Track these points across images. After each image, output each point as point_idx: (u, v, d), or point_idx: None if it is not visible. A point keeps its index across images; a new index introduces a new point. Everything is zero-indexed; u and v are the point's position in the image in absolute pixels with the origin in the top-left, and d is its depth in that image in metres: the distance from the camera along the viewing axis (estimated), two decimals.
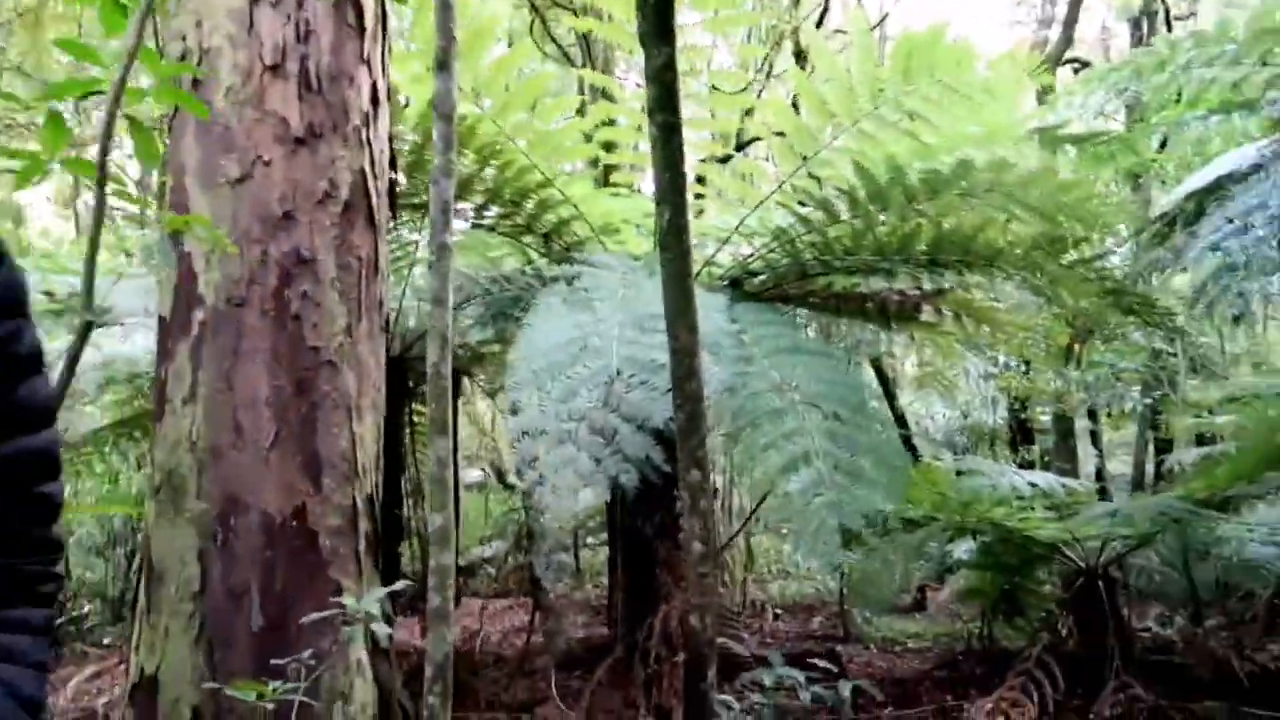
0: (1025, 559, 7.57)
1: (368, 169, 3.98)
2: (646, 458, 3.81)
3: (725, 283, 5.76)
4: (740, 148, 9.19)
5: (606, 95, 6.11)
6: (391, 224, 4.76)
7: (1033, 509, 7.16)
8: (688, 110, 5.21)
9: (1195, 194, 5.81)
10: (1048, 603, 7.59)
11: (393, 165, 4.25)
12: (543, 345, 4.21)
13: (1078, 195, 5.37)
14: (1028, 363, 10.38)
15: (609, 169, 7.33)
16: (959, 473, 7.09)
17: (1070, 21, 11.59)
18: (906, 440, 14.36)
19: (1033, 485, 6.43)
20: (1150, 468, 13.31)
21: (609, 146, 5.86)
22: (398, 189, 4.62)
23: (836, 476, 3.98)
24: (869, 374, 12.04)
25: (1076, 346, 6.82)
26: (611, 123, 6.22)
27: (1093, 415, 13.67)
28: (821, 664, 4.08)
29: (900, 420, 14.11)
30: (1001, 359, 10.04)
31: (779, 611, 11.80)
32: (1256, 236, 4.09)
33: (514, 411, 3.94)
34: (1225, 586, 9.98)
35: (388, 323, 6.55)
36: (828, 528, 3.80)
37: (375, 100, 4.05)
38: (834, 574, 9.35)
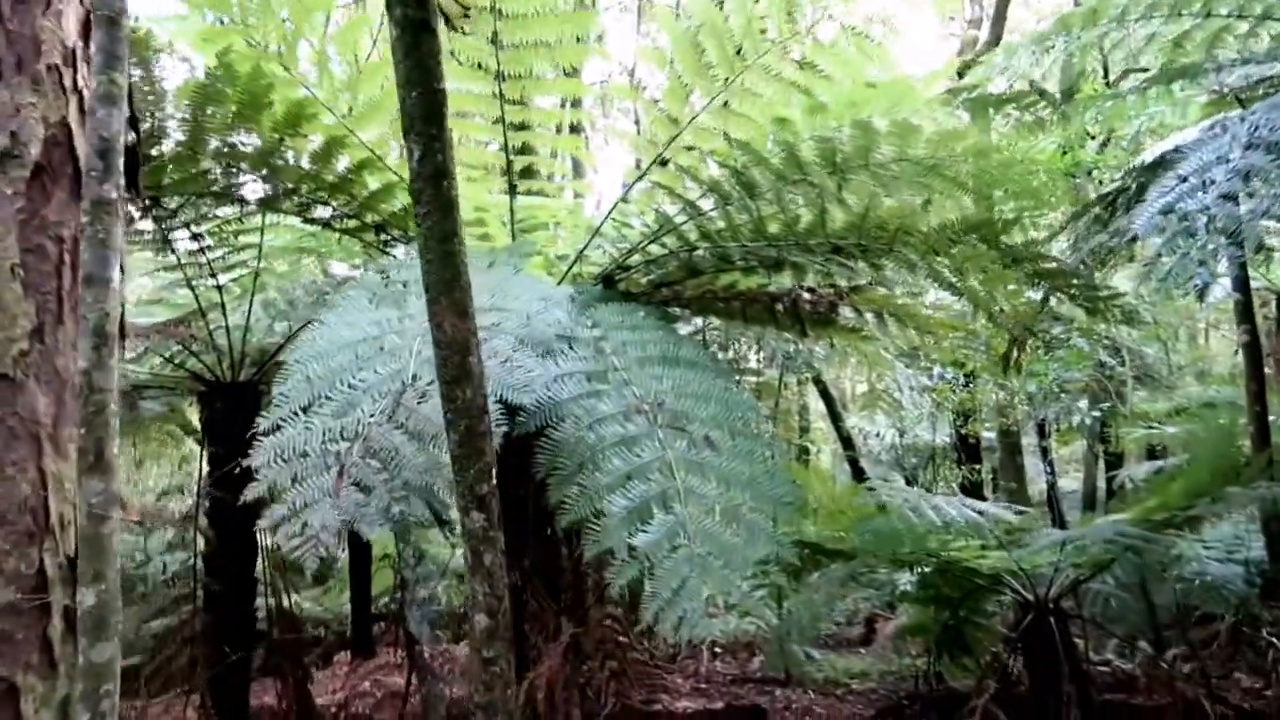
0: (968, 591, 6.70)
1: (74, 123, 2.98)
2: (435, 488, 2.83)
3: (597, 282, 4.80)
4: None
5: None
6: (141, 201, 3.74)
7: (974, 537, 6.30)
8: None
9: (1138, 170, 4.98)
10: (995, 640, 6.69)
11: (135, 129, 3.23)
12: (326, 347, 3.22)
13: (1019, 170, 4.53)
14: (970, 375, 9.59)
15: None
16: (880, 507, 6.16)
17: (999, 19, 10.91)
18: (853, 462, 13.58)
19: (946, 522, 5.51)
20: (1102, 484, 12.59)
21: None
22: (140, 156, 3.60)
23: (705, 522, 3.01)
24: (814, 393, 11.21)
25: (1015, 353, 5.96)
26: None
27: (1041, 430, 12.92)
28: None
29: (847, 442, 13.29)
30: (937, 370, 9.22)
31: (718, 650, 10.84)
32: (1219, 193, 3.24)
33: (270, 430, 2.93)
34: (1186, 610, 9.21)
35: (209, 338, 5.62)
36: (691, 590, 2.82)
37: (88, 34, 3.05)
38: (773, 609, 8.49)
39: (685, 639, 2.77)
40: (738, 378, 9.29)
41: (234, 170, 4.45)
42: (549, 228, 5.49)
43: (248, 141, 4.34)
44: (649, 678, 8.90)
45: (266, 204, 4.69)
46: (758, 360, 10.79)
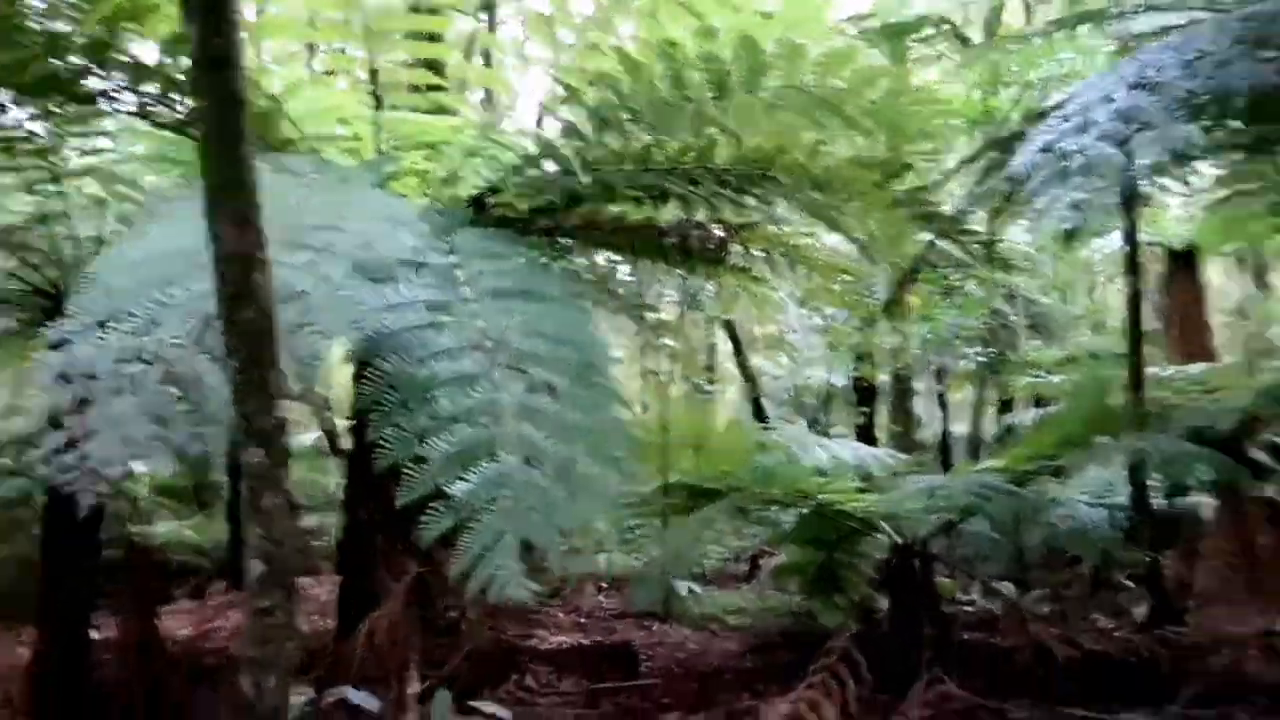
0: (843, 534, 6.76)
1: None
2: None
3: (468, 206, 4.54)
4: None
5: None
6: None
7: (850, 480, 6.33)
8: None
9: (1035, 116, 4.90)
10: (865, 581, 6.78)
11: None
12: (138, 258, 2.91)
13: (926, 110, 4.39)
14: (868, 319, 9.59)
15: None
16: (761, 445, 6.12)
17: None
18: (755, 403, 13.65)
19: (835, 459, 5.48)
20: (992, 430, 12.87)
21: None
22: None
23: (532, 474, 2.82)
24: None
25: (902, 296, 5.91)
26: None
27: (938, 375, 13.14)
28: None
29: (750, 382, 13.33)
30: (830, 312, 9.20)
31: (603, 585, 10.86)
32: (1098, 134, 3.14)
33: (57, 344, 2.64)
34: (1054, 553, 9.55)
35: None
36: (505, 546, 2.64)
37: None
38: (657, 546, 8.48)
39: (499, 597, 2.60)
40: (643, 315, 9.16)
41: (63, 60, 4.02)
42: (436, 149, 5.17)
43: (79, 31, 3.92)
44: (527, 612, 8.86)
45: (90, 101, 4.27)
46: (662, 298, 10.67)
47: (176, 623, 7.39)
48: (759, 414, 13.02)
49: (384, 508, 4.44)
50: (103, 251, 5.37)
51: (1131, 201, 6.20)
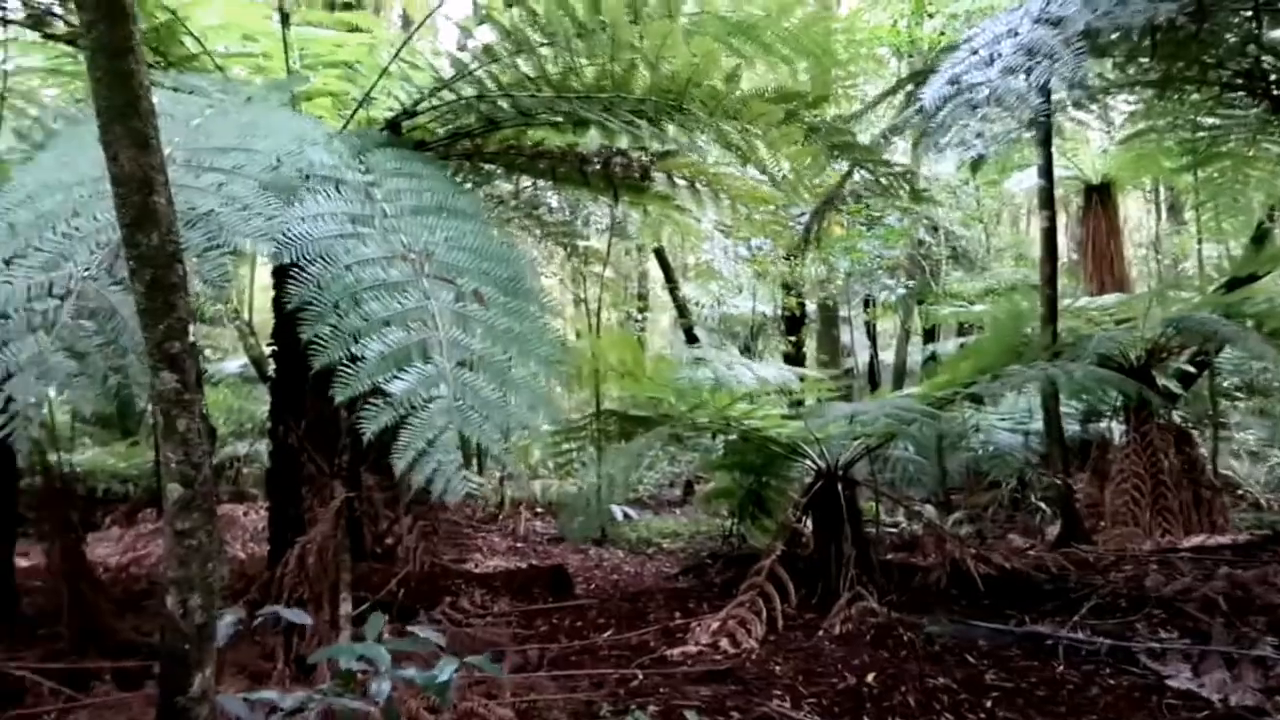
0: (769, 460, 6.92)
1: None
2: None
3: (383, 128, 4.45)
4: None
5: None
6: None
7: (775, 407, 6.47)
8: None
9: (950, 47, 4.92)
10: (790, 504, 6.95)
11: None
12: (37, 188, 2.83)
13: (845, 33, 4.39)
14: (796, 249, 9.69)
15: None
16: (694, 361, 6.18)
17: None
18: (688, 331, 13.75)
19: (761, 379, 5.57)
20: (918, 358, 13.17)
21: None
22: None
23: (465, 375, 2.86)
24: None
25: (817, 226, 5.96)
26: None
27: (866, 304, 13.36)
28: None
29: (681, 310, 13.40)
30: (755, 242, 9.26)
31: (540, 511, 10.99)
32: (1004, 67, 3.18)
33: None
34: (976, 476, 9.90)
35: None
36: (446, 443, 2.68)
37: None
38: (588, 473, 8.59)
39: (439, 493, 2.64)
40: (569, 241, 9.11)
41: None
42: (350, 69, 5.03)
43: None
44: (463, 538, 8.95)
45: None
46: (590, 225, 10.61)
47: (105, 550, 7.32)
48: (691, 342, 13.16)
49: (310, 431, 4.44)
50: (1, 175, 5.18)
51: (1046, 136, 6.31)
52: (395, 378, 2.83)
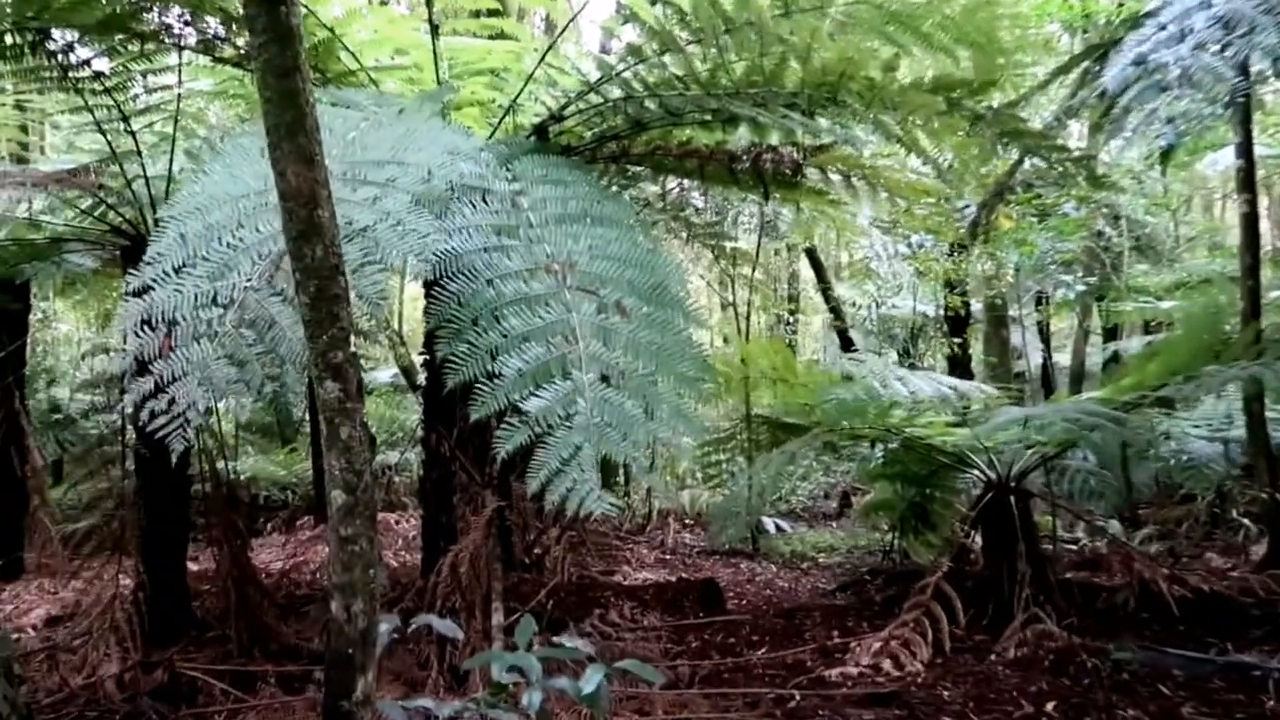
0: (933, 469, 6.72)
1: None
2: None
3: (529, 135, 4.57)
4: None
5: None
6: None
7: (938, 414, 6.26)
8: None
9: (1134, 20, 4.66)
10: (957, 518, 6.74)
11: None
12: (206, 201, 3.05)
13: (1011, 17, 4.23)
14: (960, 244, 9.37)
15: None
16: (845, 377, 6.07)
17: None
18: (842, 334, 13.53)
19: (913, 394, 5.41)
20: (1098, 360, 12.54)
21: None
22: None
23: (605, 392, 2.90)
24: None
25: (986, 219, 5.74)
26: None
27: (1038, 303, 12.80)
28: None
29: (835, 312, 13.20)
30: (915, 238, 8.98)
31: (689, 522, 11.03)
32: (1195, 43, 2.98)
33: (139, 291, 2.81)
34: (1167, 489, 9.31)
35: None
36: (584, 460, 2.73)
37: None
38: (743, 482, 8.57)
39: (576, 511, 2.69)
40: (716, 243, 9.13)
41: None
42: (497, 76, 5.20)
43: None
44: (611, 549, 9.08)
45: (153, 38, 4.41)
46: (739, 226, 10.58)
47: (268, 555, 7.80)
48: (846, 345, 12.92)
49: (461, 440, 4.61)
50: (173, 191, 5.60)
51: (1246, 113, 5.88)
52: (532, 394, 2.90)
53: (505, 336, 3.02)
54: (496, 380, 2.95)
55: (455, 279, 3.12)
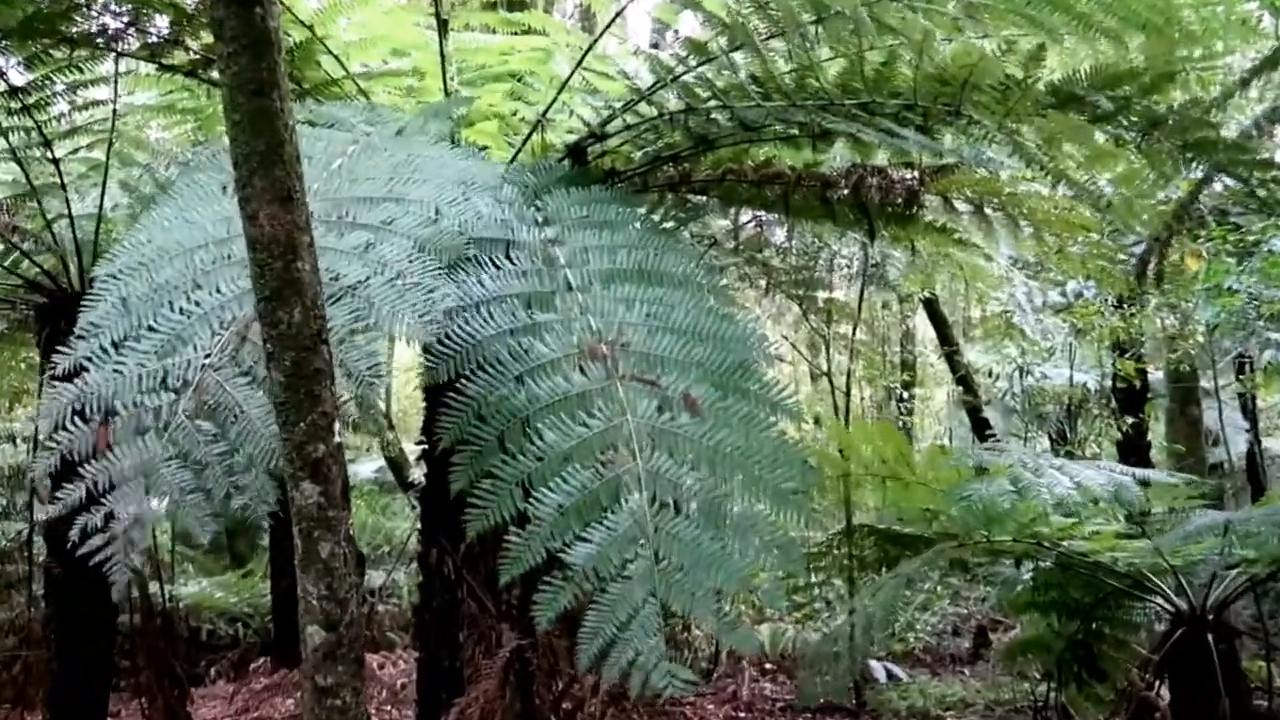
0: (1100, 596, 6.68)
1: None
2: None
3: (563, 157, 4.72)
4: None
5: None
6: None
7: (1107, 520, 6.24)
8: None
9: None
10: (1134, 663, 6.69)
11: None
12: (153, 254, 3.19)
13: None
14: (1134, 295, 9.36)
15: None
16: (979, 470, 6.10)
17: None
18: (973, 412, 13.47)
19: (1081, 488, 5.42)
20: None
21: None
22: None
23: (674, 523, 2.94)
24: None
25: (1156, 261, 5.74)
26: None
27: (1240, 370, 12.68)
28: None
29: (963, 383, 13.14)
30: (1072, 286, 8.97)
31: (767, 667, 10.97)
32: None
33: (70, 375, 2.93)
34: None
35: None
36: (645, 621, 2.77)
37: None
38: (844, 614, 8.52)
39: (638, 690, 2.72)
40: (805, 293, 9.22)
41: None
42: (520, 83, 5.37)
43: None
44: (666, 703, 9.04)
45: (83, 41, 4.63)
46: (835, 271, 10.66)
47: (212, 711, 7.87)
48: (979, 428, 12.82)
49: (470, 557, 4.67)
50: (104, 234, 5.82)
51: None
52: (579, 538, 2.94)
53: (540, 460, 3.06)
54: (532, 526, 2.99)
55: (474, 377, 3.21)
